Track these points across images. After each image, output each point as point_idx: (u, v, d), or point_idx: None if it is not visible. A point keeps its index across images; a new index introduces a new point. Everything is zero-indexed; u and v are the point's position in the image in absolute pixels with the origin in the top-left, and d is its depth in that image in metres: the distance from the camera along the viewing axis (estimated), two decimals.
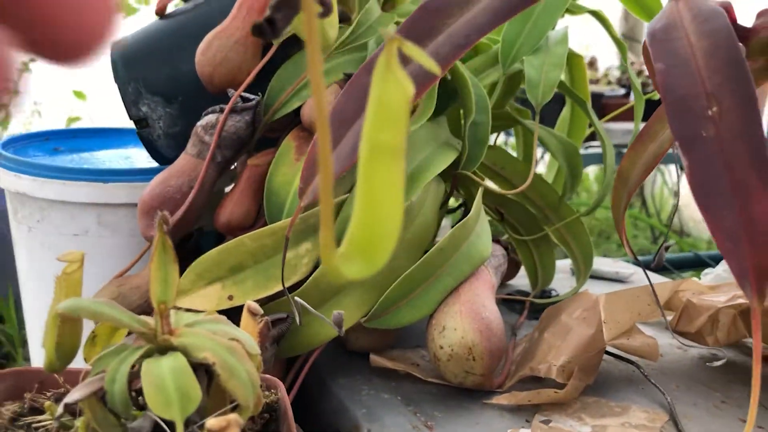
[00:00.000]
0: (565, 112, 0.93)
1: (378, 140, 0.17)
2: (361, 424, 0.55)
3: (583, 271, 0.78)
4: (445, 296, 0.60)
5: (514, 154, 0.84)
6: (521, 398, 0.56)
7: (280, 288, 0.56)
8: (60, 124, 2.49)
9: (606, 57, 2.79)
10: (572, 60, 0.88)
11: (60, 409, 0.34)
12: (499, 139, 0.97)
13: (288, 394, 0.60)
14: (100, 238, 0.64)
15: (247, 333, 0.38)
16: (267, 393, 0.44)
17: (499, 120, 0.80)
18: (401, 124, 0.17)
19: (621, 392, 0.59)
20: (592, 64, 2.72)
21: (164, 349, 0.35)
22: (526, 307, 0.76)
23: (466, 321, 0.57)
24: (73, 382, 0.42)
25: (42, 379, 0.43)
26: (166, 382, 0.32)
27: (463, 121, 0.68)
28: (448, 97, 0.72)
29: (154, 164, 0.68)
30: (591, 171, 2.72)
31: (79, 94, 2.56)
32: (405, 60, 0.41)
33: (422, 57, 0.17)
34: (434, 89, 0.64)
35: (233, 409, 0.36)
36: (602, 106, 2.10)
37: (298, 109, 0.60)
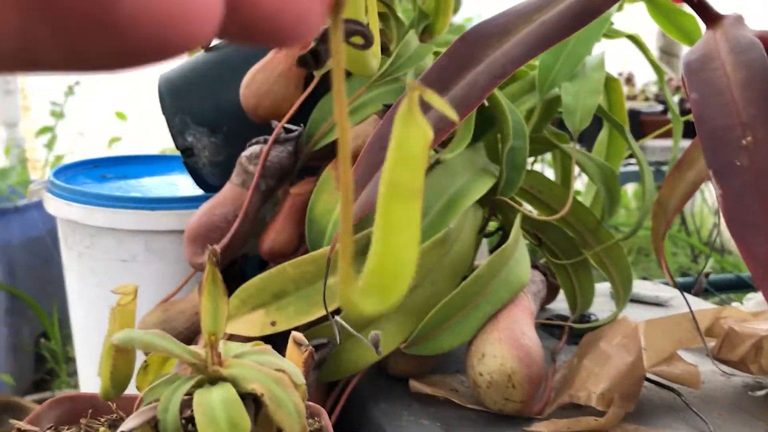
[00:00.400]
0: (603, 134, 0.93)
1: (397, 182, 0.18)
2: None
3: (622, 296, 0.78)
4: (484, 323, 0.60)
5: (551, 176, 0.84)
6: (561, 426, 0.56)
7: (321, 314, 0.57)
8: (102, 145, 2.55)
9: (643, 72, 2.77)
10: (609, 83, 0.88)
11: None
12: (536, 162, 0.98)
13: (329, 419, 0.61)
14: (147, 264, 0.66)
15: (293, 363, 0.40)
16: (311, 421, 0.45)
17: (536, 144, 0.81)
18: (419, 168, 0.18)
19: (662, 420, 0.59)
20: (629, 80, 2.70)
21: (214, 380, 0.36)
22: (565, 332, 0.76)
23: (505, 348, 0.57)
24: (125, 408, 0.44)
25: (95, 404, 0.44)
26: (217, 413, 0.33)
27: (500, 147, 0.69)
28: (485, 124, 0.73)
29: (200, 191, 0.70)
30: (629, 188, 2.70)
31: (120, 115, 2.62)
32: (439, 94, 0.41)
33: (442, 105, 0.18)
34: (471, 117, 0.65)
35: None
36: (640, 123, 2.09)
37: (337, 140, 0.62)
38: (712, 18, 0.43)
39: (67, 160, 1.51)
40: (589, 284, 0.80)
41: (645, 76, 2.70)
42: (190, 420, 0.40)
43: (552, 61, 0.72)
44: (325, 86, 0.62)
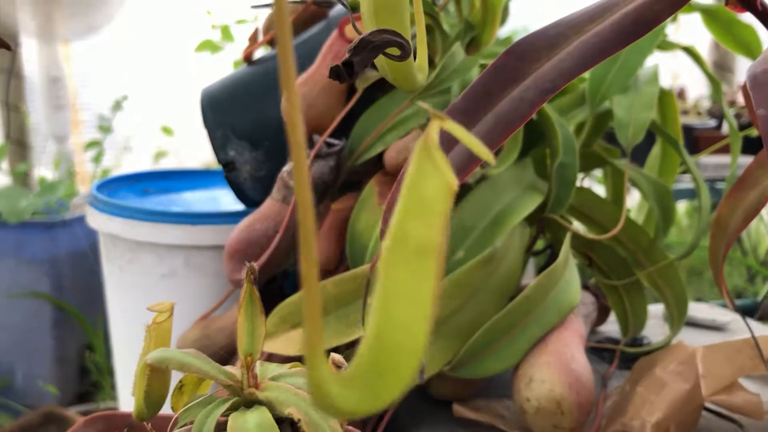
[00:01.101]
0: (656, 149, 0.89)
1: (406, 236, 0.14)
2: None
3: (676, 319, 0.74)
4: (532, 346, 0.58)
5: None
6: None
7: (360, 334, 0.56)
8: (148, 159, 2.59)
9: (695, 86, 2.70)
10: (663, 97, 0.85)
11: None
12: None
13: None
14: (187, 279, 0.65)
15: None
16: None
17: (587, 160, 0.78)
18: (439, 219, 0.14)
19: None
20: (681, 94, 2.64)
21: (250, 403, 0.35)
22: (617, 356, 0.72)
23: (554, 373, 0.55)
24: (160, 429, 0.43)
25: (131, 423, 0.43)
26: None
27: (549, 163, 0.66)
28: (533, 138, 0.71)
29: (240, 206, 0.69)
30: (680, 206, 2.62)
31: (166, 130, 2.66)
32: (492, 100, 0.39)
33: (469, 140, 0.15)
34: (519, 131, 0.63)
35: None
36: (694, 139, 2.03)
37: (382, 153, 0.60)
38: None
39: (114, 174, 1.53)
40: (642, 306, 0.76)
41: (696, 89, 2.63)
42: None
43: (603, 74, 0.70)
44: (367, 101, 0.61)
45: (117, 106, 2.29)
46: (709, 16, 0.80)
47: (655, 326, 0.81)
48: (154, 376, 0.37)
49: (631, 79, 0.69)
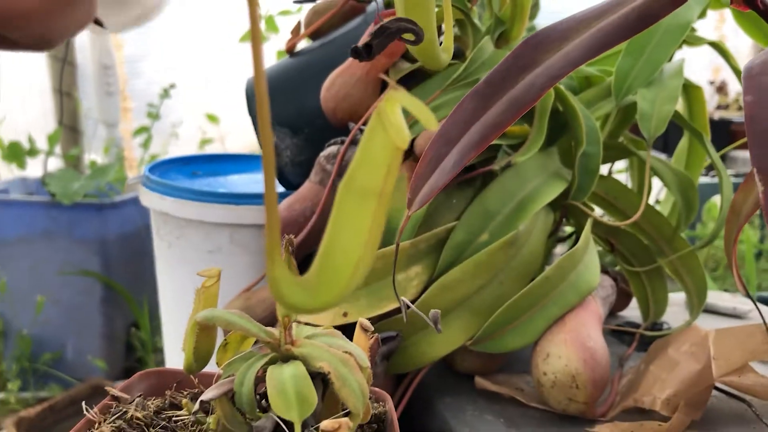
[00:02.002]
0: (683, 142, 0.92)
1: (353, 178, 0.19)
2: None
3: (696, 305, 0.77)
4: (551, 324, 0.61)
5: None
6: (624, 429, 0.56)
7: (390, 307, 0.60)
8: (194, 146, 2.67)
9: (737, 81, 2.67)
10: (691, 92, 0.87)
11: (196, 405, 0.39)
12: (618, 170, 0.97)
13: (396, 409, 0.63)
14: (231, 255, 0.71)
15: (359, 347, 0.42)
16: (375, 405, 0.47)
17: (612, 150, 0.81)
18: (379, 170, 0.19)
19: (731, 430, 0.58)
20: (722, 88, 2.61)
21: (286, 358, 0.39)
22: (636, 339, 0.75)
23: (570, 349, 0.58)
24: (206, 384, 0.47)
25: (180, 379, 0.48)
26: (287, 387, 0.36)
27: (573, 152, 0.69)
28: (559, 129, 0.74)
29: (281, 189, 0.74)
30: (718, 200, 2.60)
31: (212, 118, 2.74)
32: (511, 81, 0.43)
33: (421, 111, 0.18)
34: (543, 122, 0.66)
35: (345, 416, 0.39)
36: (731, 132, 2.02)
37: (412, 141, 0.64)
38: None
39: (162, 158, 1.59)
40: (663, 292, 0.79)
41: (737, 85, 2.60)
42: (264, 396, 0.43)
43: (629, 68, 0.72)
44: None
45: (165, 93, 2.37)
46: (738, 12, 0.82)
47: (675, 313, 0.83)
48: (202, 334, 0.42)
49: (657, 73, 0.72)
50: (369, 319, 0.62)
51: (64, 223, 1.93)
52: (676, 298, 0.88)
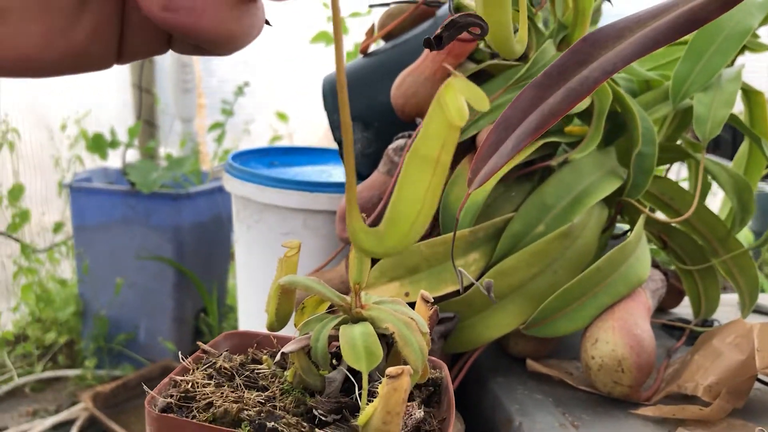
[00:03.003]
0: (744, 147, 0.93)
1: (417, 148, 0.23)
2: (515, 417, 0.62)
3: (747, 304, 0.79)
4: (601, 312, 0.65)
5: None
6: (666, 411, 0.60)
7: (449, 290, 0.65)
8: (264, 142, 2.77)
9: None
10: (752, 97, 0.89)
11: (278, 357, 0.45)
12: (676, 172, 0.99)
13: (454, 385, 0.68)
14: (304, 238, 0.77)
15: (420, 315, 0.47)
16: (433, 371, 0.52)
17: (670, 152, 0.84)
18: (437, 142, 0.23)
19: None
20: None
21: (357, 320, 0.45)
22: (685, 334, 0.78)
23: (617, 336, 0.62)
24: (284, 344, 0.53)
25: (260, 340, 0.54)
26: (357, 342, 0.42)
27: (630, 152, 0.73)
28: (618, 129, 0.77)
29: None
30: None
31: (281, 116, 2.84)
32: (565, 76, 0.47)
33: (473, 93, 0.23)
34: (601, 122, 0.70)
35: None
36: None
37: (475, 136, 0.69)
38: None
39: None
40: (715, 291, 0.82)
41: None
42: (336, 355, 0.48)
43: (687, 72, 0.75)
44: None
45: (239, 91, 2.47)
46: None
47: (728, 312, 0.85)
48: (284, 296, 0.48)
49: (714, 78, 0.75)
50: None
51: (141, 211, 2.04)
52: (729, 298, 0.90)
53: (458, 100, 0.25)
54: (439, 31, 0.42)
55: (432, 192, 0.25)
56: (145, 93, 2.74)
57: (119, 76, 2.81)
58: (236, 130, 2.90)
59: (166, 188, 2.06)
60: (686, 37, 0.81)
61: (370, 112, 0.75)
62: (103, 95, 2.91)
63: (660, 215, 0.84)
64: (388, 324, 0.43)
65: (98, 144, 2.27)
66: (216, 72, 3.58)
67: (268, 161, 0.89)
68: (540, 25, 0.76)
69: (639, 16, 0.48)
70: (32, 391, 2.00)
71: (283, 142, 2.88)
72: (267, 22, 0.54)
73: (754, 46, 0.84)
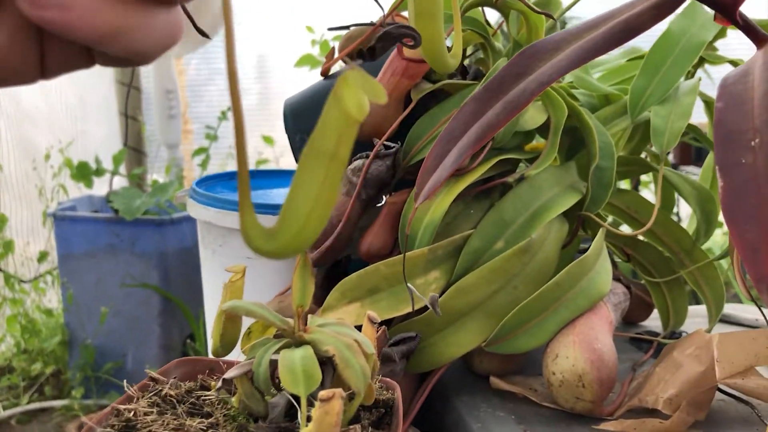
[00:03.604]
0: (709, 159, 0.94)
1: (313, 141, 0.22)
2: None
3: (714, 315, 0.79)
4: (562, 327, 0.65)
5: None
6: (627, 426, 0.59)
7: (409, 309, 0.64)
8: (251, 166, 2.77)
9: None
10: (712, 108, 0.89)
11: (219, 383, 0.45)
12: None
13: (415, 404, 0.68)
14: (268, 261, 0.77)
15: (366, 337, 0.47)
16: (385, 392, 0.52)
17: (633, 166, 0.84)
18: (333, 136, 0.22)
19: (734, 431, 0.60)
20: None
21: (299, 343, 0.45)
22: (653, 347, 0.78)
23: (578, 351, 0.62)
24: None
25: (212, 367, 0.54)
26: (296, 366, 0.41)
27: (588, 166, 0.73)
28: (578, 144, 0.78)
29: None
30: None
31: (267, 139, 2.85)
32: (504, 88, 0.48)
33: (373, 88, 0.23)
34: (556, 138, 0.70)
35: (350, 397, 0.44)
36: None
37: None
38: (759, 39, 0.47)
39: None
40: (683, 302, 0.82)
41: None
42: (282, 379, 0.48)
43: (644, 86, 0.76)
44: (421, 110, 0.70)
45: (223, 116, 2.48)
46: None
47: (698, 324, 0.85)
48: (228, 322, 0.48)
49: (671, 91, 0.75)
50: (389, 319, 0.67)
51: (126, 239, 2.04)
52: (699, 310, 0.90)
53: (356, 92, 0.24)
54: (372, 42, 0.43)
55: (328, 188, 0.25)
56: (131, 120, 2.75)
57: (106, 104, 2.82)
58: (222, 154, 2.91)
59: (151, 214, 2.06)
60: (644, 52, 0.82)
61: None
62: (91, 124, 2.92)
63: (626, 228, 0.85)
64: (329, 347, 0.43)
65: (83, 172, 2.27)
66: (203, 97, 3.60)
67: (234, 185, 0.89)
68: (498, 44, 0.77)
69: (577, 28, 0.48)
70: (18, 423, 1.98)
71: (270, 166, 2.88)
72: (204, 34, 0.54)
73: (713, 59, 0.85)
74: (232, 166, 2.75)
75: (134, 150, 2.66)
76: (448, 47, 0.58)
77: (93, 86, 2.90)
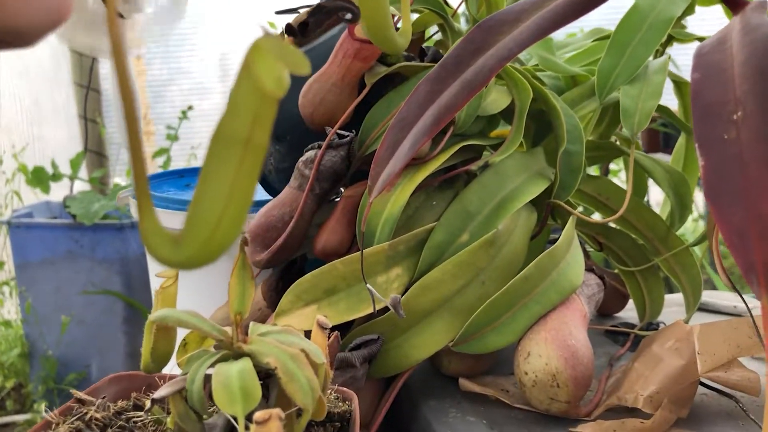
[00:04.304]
0: (681, 141, 0.90)
1: (222, 126, 0.18)
2: None
3: (692, 303, 0.75)
4: (533, 323, 0.61)
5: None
6: (606, 427, 0.55)
7: (370, 310, 0.60)
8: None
9: None
10: (685, 89, 0.86)
11: (149, 404, 0.39)
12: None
13: (380, 411, 0.63)
14: (219, 263, 0.71)
15: (316, 345, 0.42)
16: (341, 404, 0.47)
17: (603, 150, 0.80)
18: (246, 118, 0.18)
19: (718, 428, 0.57)
20: None
21: (238, 355, 0.40)
22: (630, 339, 0.74)
23: (550, 348, 0.58)
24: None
25: (150, 383, 0.49)
26: (232, 382, 0.36)
27: (555, 151, 0.69)
28: (545, 129, 0.74)
29: (267, 196, 0.74)
30: None
31: None
32: (461, 67, 0.43)
33: (293, 58, 0.18)
34: (521, 122, 0.66)
35: (297, 413, 0.40)
36: None
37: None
38: (736, 5, 0.43)
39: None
40: (659, 292, 0.78)
41: None
42: None
43: (612, 65, 0.72)
44: (376, 95, 0.65)
45: (183, 115, 2.41)
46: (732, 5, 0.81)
47: (675, 313, 0.82)
48: (160, 334, 0.43)
49: (640, 70, 0.71)
50: (349, 321, 0.62)
51: (86, 244, 1.97)
52: (675, 298, 0.86)
53: (271, 62, 0.19)
54: (305, 17, 0.38)
55: (243, 181, 0.20)
56: (90, 123, 2.66)
57: (65, 107, 2.73)
58: (185, 155, 2.84)
59: (112, 219, 1.99)
60: (610, 32, 0.78)
61: (281, 125, 0.70)
62: (48, 127, 2.83)
63: (597, 216, 0.81)
64: (270, 358, 0.38)
65: (39, 177, 2.19)
66: (166, 98, 3.52)
67: (183, 183, 0.83)
68: (459, 25, 0.73)
69: None
70: None
71: None
72: (120, 15, 0.48)
73: (681, 36, 0.81)
74: (195, 166, 2.68)
75: (95, 153, 2.58)
76: (398, 28, 0.53)
77: (50, 89, 2.81)
